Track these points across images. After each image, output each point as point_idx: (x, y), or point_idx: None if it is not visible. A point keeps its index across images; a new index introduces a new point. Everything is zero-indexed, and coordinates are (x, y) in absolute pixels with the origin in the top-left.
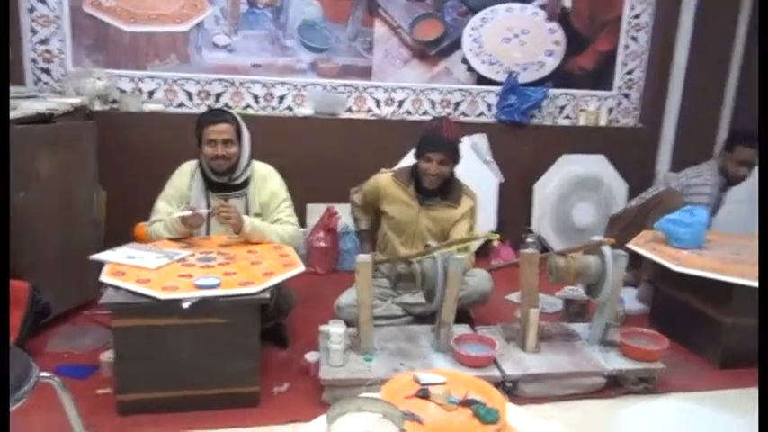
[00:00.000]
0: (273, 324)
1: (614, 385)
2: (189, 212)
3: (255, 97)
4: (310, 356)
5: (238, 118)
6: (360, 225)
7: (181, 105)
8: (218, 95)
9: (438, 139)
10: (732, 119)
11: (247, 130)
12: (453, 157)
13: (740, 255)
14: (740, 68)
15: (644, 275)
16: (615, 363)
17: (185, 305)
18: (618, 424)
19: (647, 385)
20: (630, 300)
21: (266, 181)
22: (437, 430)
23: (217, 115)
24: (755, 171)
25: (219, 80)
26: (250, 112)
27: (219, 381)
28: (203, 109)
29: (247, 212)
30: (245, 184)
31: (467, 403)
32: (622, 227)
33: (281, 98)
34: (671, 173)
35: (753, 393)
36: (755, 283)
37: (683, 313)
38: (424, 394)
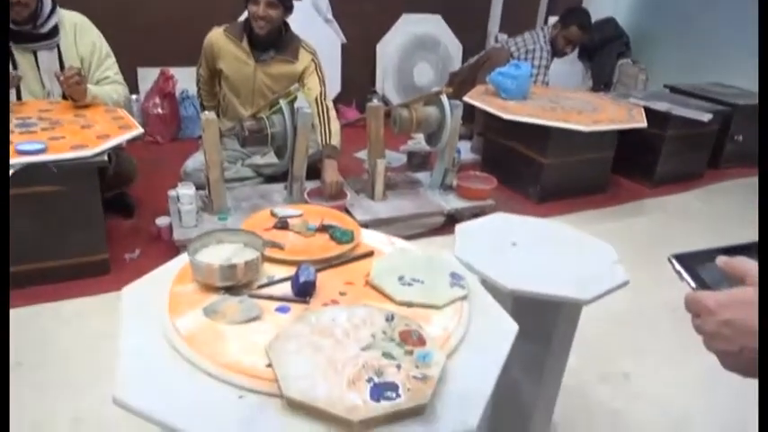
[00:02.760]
0: (116, 193)
1: (452, 223)
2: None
3: None
4: (160, 221)
5: None
6: (205, 106)
7: None
8: None
9: None
10: None
11: None
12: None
13: (558, 104)
14: None
15: (476, 129)
16: (453, 203)
17: (9, 171)
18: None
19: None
20: (465, 151)
21: (84, 31)
22: (297, 252)
23: None
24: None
25: None
26: None
27: (64, 252)
28: None
29: (62, 67)
30: (54, 33)
31: (323, 229)
32: (458, 82)
33: None
34: (506, 36)
35: (565, 219)
36: (568, 126)
37: (510, 158)
38: (282, 225)
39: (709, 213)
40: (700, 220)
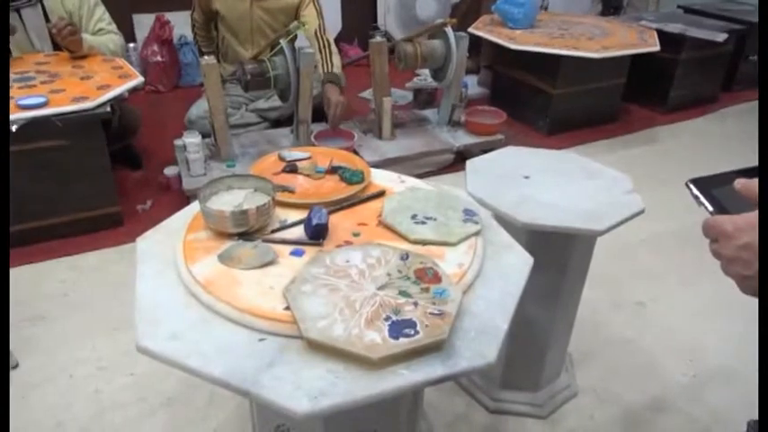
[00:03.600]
0: (122, 146)
1: (462, 160)
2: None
3: None
4: (169, 171)
5: None
6: (203, 52)
7: None
8: None
9: None
10: None
11: None
12: None
13: (567, 30)
14: None
15: (483, 61)
16: (461, 139)
17: (12, 128)
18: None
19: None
20: (472, 85)
21: None
22: (308, 195)
23: None
24: None
25: None
26: None
27: (78, 206)
28: None
29: (48, 20)
30: None
31: (333, 170)
32: (462, 13)
33: None
34: None
35: (580, 149)
36: (578, 53)
37: (518, 90)
38: (291, 169)
39: (724, 137)
40: (714, 145)
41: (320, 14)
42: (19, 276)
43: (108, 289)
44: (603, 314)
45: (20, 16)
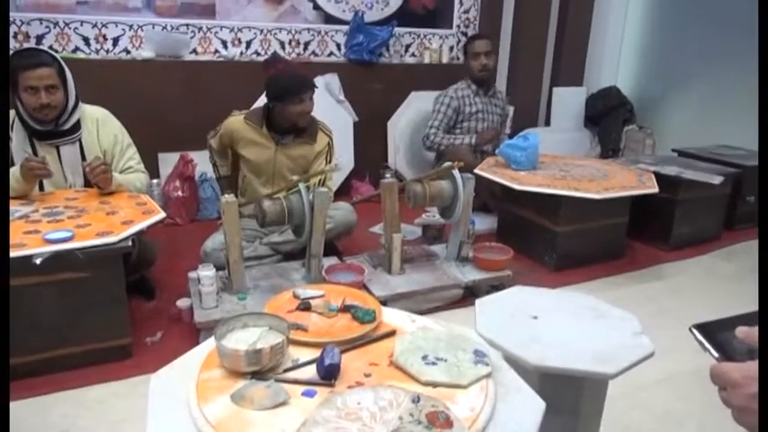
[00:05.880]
0: (138, 277)
1: (471, 295)
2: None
3: (85, 39)
4: (182, 303)
5: (57, 56)
6: (220, 171)
7: None
8: (40, 38)
9: (304, 80)
10: (554, 53)
11: (68, 69)
12: (313, 94)
13: (568, 172)
14: (558, 11)
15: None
16: (470, 275)
17: (37, 261)
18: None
19: (497, 292)
20: (480, 222)
21: (106, 125)
22: (321, 334)
23: (33, 57)
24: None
25: (39, 20)
26: (81, 56)
27: (88, 337)
28: None
29: (84, 159)
30: (77, 128)
31: (345, 309)
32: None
33: (116, 40)
34: (439, 93)
35: (584, 287)
36: (580, 194)
37: (524, 227)
38: (305, 307)
39: (730, 274)
40: (721, 283)
41: (328, 163)
42: (20, 409)
43: (110, 425)
44: None
45: (58, 152)
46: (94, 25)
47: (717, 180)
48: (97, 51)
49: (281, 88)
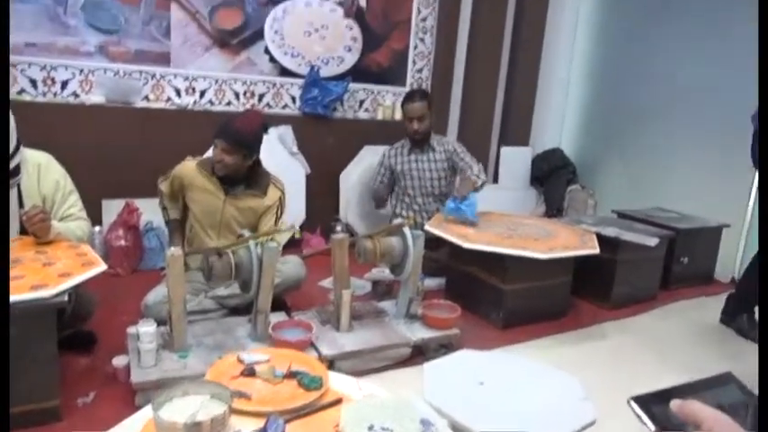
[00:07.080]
0: (71, 332)
1: (419, 354)
2: None
3: (32, 81)
4: (117, 361)
5: None
6: (169, 214)
7: None
8: None
9: (226, 127)
10: (503, 112)
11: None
12: (239, 148)
13: (515, 231)
14: (507, 68)
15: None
16: (419, 333)
17: None
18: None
19: (446, 350)
20: (429, 278)
21: (48, 170)
22: (265, 403)
23: None
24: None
25: None
26: (26, 98)
27: (13, 398)
28: None
29: (22, 205)
30: (16, 172)
31: (291, 375)
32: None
33: (65, 83)
34: (387, 148)
35: (530, 345)
36: (526, 254)
37: (472, 284)
38: (249, 372)
39: (667, 334)
40: (658, 342)
41: (278, 222)
42: None
43: None
44: None
45: None
46: (43, 67)
47: (653, 242)
48: (44, 94)
49: (216, 127)
